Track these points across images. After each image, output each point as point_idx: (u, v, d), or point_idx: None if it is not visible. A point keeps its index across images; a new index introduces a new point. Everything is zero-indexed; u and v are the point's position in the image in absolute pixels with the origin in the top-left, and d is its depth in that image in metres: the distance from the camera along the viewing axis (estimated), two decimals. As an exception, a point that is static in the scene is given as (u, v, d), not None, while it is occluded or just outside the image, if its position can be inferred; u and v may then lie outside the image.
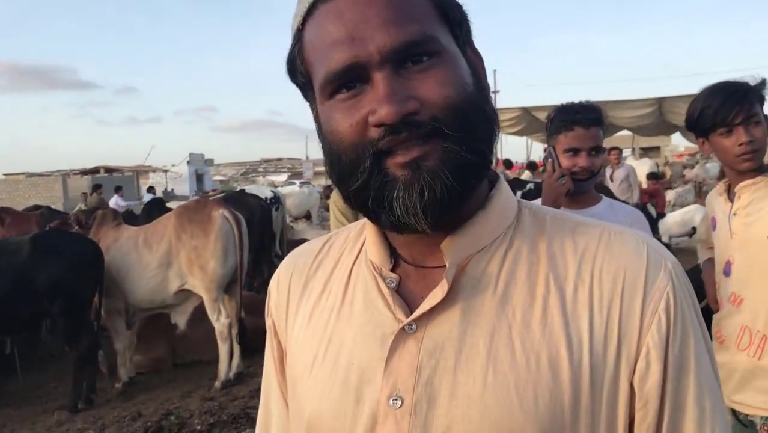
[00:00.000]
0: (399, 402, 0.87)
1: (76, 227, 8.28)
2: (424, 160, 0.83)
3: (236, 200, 9.78)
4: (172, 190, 31.71)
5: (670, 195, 13.54)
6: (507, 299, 0.89)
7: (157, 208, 10.81)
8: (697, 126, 2.53)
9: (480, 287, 0.90)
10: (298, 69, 0.93)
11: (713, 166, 18.52)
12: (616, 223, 2.43)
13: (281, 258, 10.69)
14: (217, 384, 6.75)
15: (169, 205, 11.71)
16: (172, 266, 6.99)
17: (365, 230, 1.03)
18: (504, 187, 0.97)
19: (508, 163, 18.28)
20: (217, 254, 6.86)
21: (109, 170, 37.67)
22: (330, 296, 1.01)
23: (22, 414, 6.60)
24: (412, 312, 0.90)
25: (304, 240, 11.52)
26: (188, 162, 41.19)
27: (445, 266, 0.90)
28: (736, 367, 2.47)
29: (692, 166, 21.56)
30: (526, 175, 15.24)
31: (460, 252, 0.91)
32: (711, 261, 2.81)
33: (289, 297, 1.07)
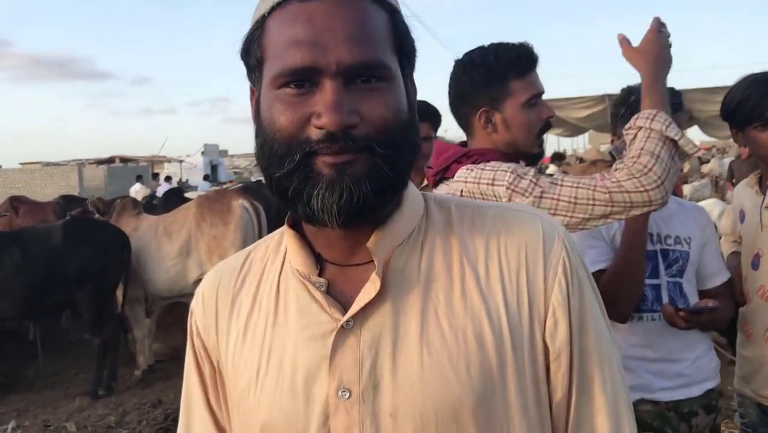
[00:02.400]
0: (347, 394, 0.94)
1: (96, 215, 8.35)
2: (350, 166, 0.90)
3: (255, 191, 9.81)
4: (187, 180, 31.77)
5: (686, 189, 13.45)
6: (430, 285, 0.98)
7: (175, 197, 10.86)
8: (733, 117, 2.47)
9: (405, 278, 0.98)
10: (252, 51, 0.98)
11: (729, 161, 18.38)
12: (695, 225, 2.35)
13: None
14: (236, 372, 6.79)
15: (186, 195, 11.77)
16: (191, 255, 7.05)
17: (283, 240, 1.08)
18: (411, 185, 1.04)
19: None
20: (236, 243, 6.91)
21: (124, 160, 37.87)
22: (261, 310, 1.04)
23: (43, 399, 6.70)
24: (345, 310, 0.96)
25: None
26: (203, 153, 41.31)
27: (367, 262, 0.98)
28: (764, 361, 2.45)
29: (708, 161, 21.40)
30: (552, 169, 14.41)
31: (384, 249, 0.98)
32: (736, 255, 2.78)
33: (217, 315, 1.09)
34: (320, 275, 1.01)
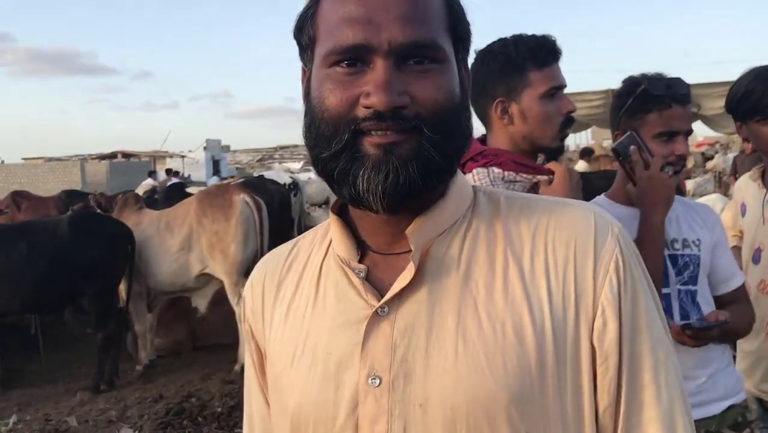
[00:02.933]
0: (377, 381, 0.92)
1: (98, 210, 8.35)
2: (398, 147, 0.88)
3: (256, 186, 9.81)
4: (189, 175, 31.77)
5: (689, 185, 13.43)
6: (470, 276, 0.95)
7: (177, 192, 10.86)
8: (737, 110, 2.45)
9: (444, 267, 0.95)
10: (305, 30, 0.97)
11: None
12: (704, 227, 2.16)
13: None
14: (237, 367, 6.80)
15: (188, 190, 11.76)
16: (193, 250, 7.05)
17: (330, 227, 1.07)
18: (460, 174, 1.02)
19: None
20: (238, 238, 6.92)
21: (126, 155, 37.88)
22: (303, 294, 1.05)
23: (45, 393, 6.71)
24: (382, 297, 0.95)
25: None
26: (205, 148, 41.24)
27: (408, 251, 0.95)
28: (764, 355, 2.45)
29: (711, 157, 21.38)
30: (581, 165, 13.55)
31: (423, 236, 0.96)
32: (736, 249, 2.73)
33: (264, 301, 1.10)
34: (361, 261, 1.00)
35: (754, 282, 2.51)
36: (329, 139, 0.91)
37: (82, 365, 7.50)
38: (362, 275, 0.98)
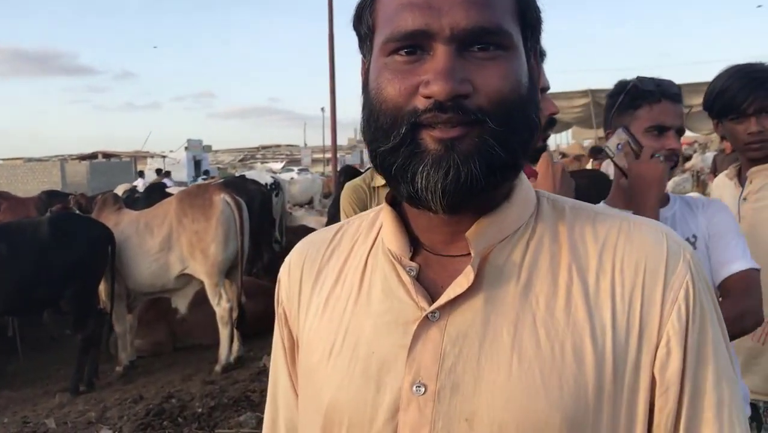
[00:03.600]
0: (422, 389, 0.87)
1: (77, 211, 8.29)
2: (459, 142, 0.83)
3: (237, 185, 9.79)
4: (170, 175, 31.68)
5: (668, 183, 13.56)
6: (530, 288, 0.89)
7: (157, 193, 10.81)
8: (712, 108, 2.45)
9: (503, 276, 0.90)
10: (364, 19, 0.93)
11: (712, 156, 18.53)
12: (699, 222, 2.07)
13: (280, 244, 10.75)
14: (218, 368, 6.79)
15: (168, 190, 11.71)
16: (173, 250, 7.01)
17: (379, 218, 1.03)
18: (524, 178, 0.97)
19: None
20: (218, 238, 6.89)
21: (107, 156, 37.57)
22: (345, 285, 1.00)
23: (23, 396, 6.64)
24: (433, 300, 0.90)
25: (303, 226, 11.55)
26: (186, 148, 41.06)
27: (466, 254, 0.91)
28: (754, 354, 2.41)
29: (690, 156, 21.57)
30: (592, 165, 13.09)
31: (485, 241, 0.90)
32: None
33: (301, 286, 1.05)
34: (412, 259, 0.94)
35: None
36: (387, 132, 0.86)
37: (61, 366, 7.42)
38: (414, 273, 0.92)
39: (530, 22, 0.92)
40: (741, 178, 2.54)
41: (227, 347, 6.91)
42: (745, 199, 2.47)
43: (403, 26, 0.85)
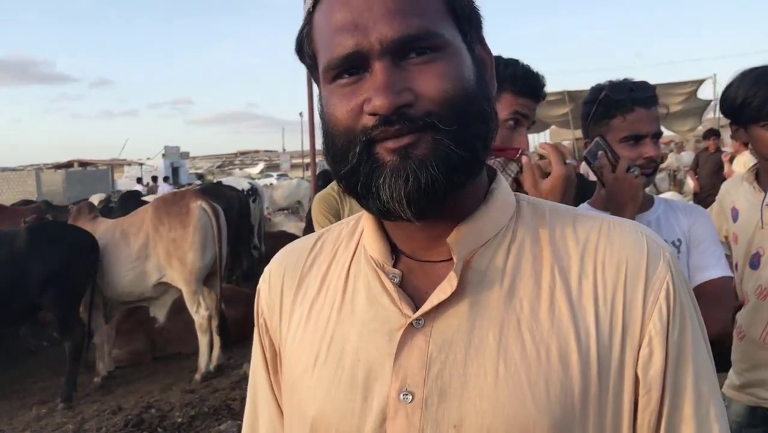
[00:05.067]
0: (410, 397, 0.87)
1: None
2: (413, 148, 0.84)
3: (214, 192, 9.72)
4: (148, 183, 31.47)
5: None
6: (514, 292, 0.90)
7: (133, 201, 10.71)
8: (738, 114, 2.38)
9: (486, 281, 0.90)
10: (305, 51, 0.95)
11: (687, 155, 18.75)
12: (682, 226, 2.06)
13: (259, 250, 10.69)
14: (198, 376, 6.72)
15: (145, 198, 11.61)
16: (150, 259, 6.94)
17: (360, 225, 1.03)
18: (502, 180, 0.98)
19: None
20: (195, 246, 6.83)
21: (83, 164, 37.28)
22: (329, 294, 0.99)
23: (-1, 409, 6.54)
24: (417, 307, 0.90)
25: (283, 232, 11.51)
26: (163, 155, 40.85)
27: (447, 260, 0.91)
28: (760, 362, 2.38)
29: (665, 156, 21.82)
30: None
31: (466, 246, 0.91)
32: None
33: (282, 296, 1.05)
34: (395, 266, 0.94)
35: (751, 288, 2.43)
36: (345, 154, 0.87)
37: (38, 379, 7.32)
38: (396, 280, 0.93)
39: (464, 15, 0.92)
40: (762, 183, 2.47)
41: (207, 355, 6.84)
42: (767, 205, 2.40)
43: (337, 52, 0.86)
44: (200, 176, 29.27)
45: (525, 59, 2.10)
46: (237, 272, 9.96)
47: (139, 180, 24.90)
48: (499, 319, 0.88)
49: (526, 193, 1.87)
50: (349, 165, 0.87)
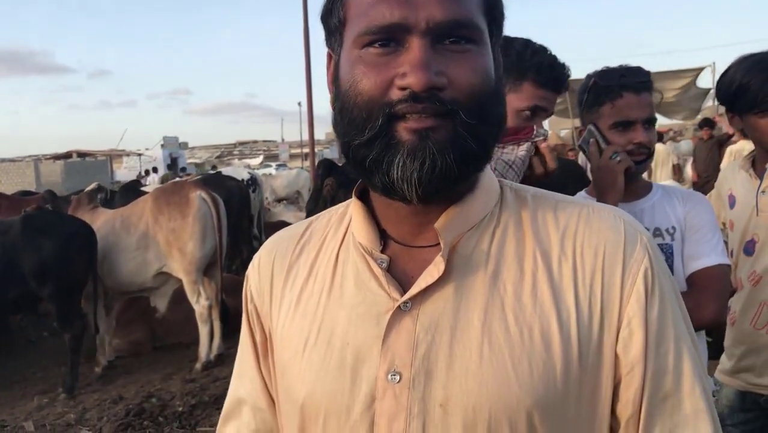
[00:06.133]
0: (397, 377, 0.89)
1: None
2: (434, 132, 0.85)
3: (213, 182, 9.71)
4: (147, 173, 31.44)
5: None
6: (498, 275, 0.92)
7: (132, 192, 10.69)
8: (733, 102, 2.39)
9: (472, 265, 0.93)
10: (335, 11, 0.94)
11: (686, 143, 18.70)
12: (678, 213, 2.05)
13: (259, 240, 10.69)
14: (198, 366, 6.74)
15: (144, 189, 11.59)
16: (150, 249, 6.94)
17: (348, 212, 1.05)
18: (487, 167, 0.99)
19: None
20: (195, 236, 6.83)
21: (81, 155, 37.21)
22: (317, 280, 1.01)
23: (0, 399, 6.55)
24: (404, 291, 0.92)
25: (282, 222, 11.50)
26: (162, 145, 40.80)
27: (434, 245, 0.93)
28: (754, 347, 2.39)
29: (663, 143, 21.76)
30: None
31: (453, 231, 0.93)
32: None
33: (272, 282, 1.07)
34: (383, 251, 0.97)
35: (745, 274, 2.45)
36: (362, 125, 0.87)
37: (38, 369, 7.34)
38: (384, 265, 0.95)
39: (496, 17, 0.95)
40: (757, 170, 2.48)
41: (207, 344, 6.87)
42: (764, 192, 2.41)
43: (380, 19, 0.86)
44: (182, 169, 29.48)
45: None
46: (237, 261, 9.96)
47: (155, 169, 25.37)
48: (484, 301, 0.90)
49: (538, 179, 1.86)
50: (365, 137, 0.87)
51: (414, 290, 0.91)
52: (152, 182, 18.35)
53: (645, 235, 0.96)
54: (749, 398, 2.47)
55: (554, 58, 2.01)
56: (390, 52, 0.87)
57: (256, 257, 1.12)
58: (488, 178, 0.99)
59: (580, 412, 0.90)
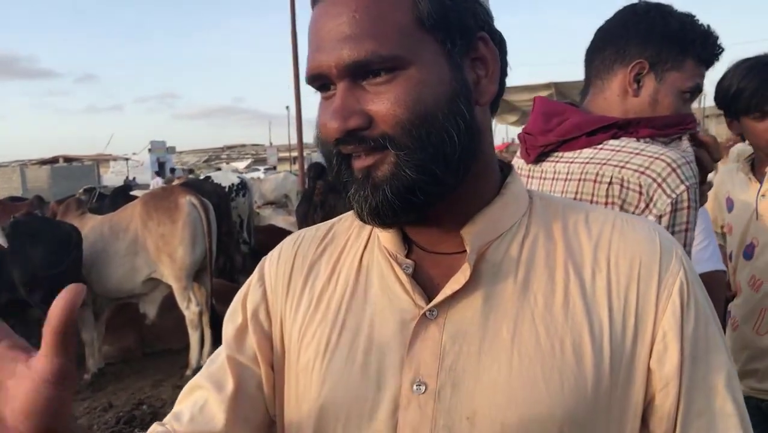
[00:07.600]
0: (423, 388, 0.87)
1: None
2: (374, 169, 0.87)
3: (202, 187, 9.64)
4: (134, 178, 31.30)
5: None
6: (528, 285, 0.90)
7: (122, 197, 10.63)
8: (729, 107, 2.38)
9: (501, 273, 0.91)
10: None
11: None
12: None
13: (249, 244, 10.64)
14: (189, 372, 6.70)
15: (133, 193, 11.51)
16: (139, 255, 6.89)
17: None
18: (517, 175, 0.99)
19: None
20: (185, 241, 6.78)
21: (68, 159, 36.98)
22: (339, 282, 1.00)
23: (-11, 408, 6.49)
24: (429, 298, 0.91)
25: (272, 225, 11.47)
26: (149, 150, 40.60)
27: (461, 252, 0.92)
28: (757, 354, 2.39)
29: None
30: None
31: (480, 238, 0.92)
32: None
33: (291, 278, 1.05)
34: (407, 256, 0.95)
35: (745, 278, 2.45)
36: (329, 162, 0.92)
37: (27, 376, 7.27)
38: (409, 270, 0.93)
39: (442, 25, 0.87)
40: (757, 174, 2.49)
41: (197, 350, 6.83)
42: (763, 196, 2.42)
43: (308, 69, 0.90)
44: (172, 170, 29.31)
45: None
46: (227, 266, 9.88)
47: (159, 172, 25.29)
48: (514, 312, 0.89)
49: (708, 172, 1.68)
50: (333, 172, 0.91)
51: (440, 297, 0.90)
52: (157, 185, 18.24)
53: (679, 248, 0.94)
54: (752, 403, 2.44)
55: (713, 32, 1.78)
56: (330, 95, 0.89)
57: (277, 250, 1.10)
58: (519, 185, 0.98)
59: (609, 426, 0.88)
